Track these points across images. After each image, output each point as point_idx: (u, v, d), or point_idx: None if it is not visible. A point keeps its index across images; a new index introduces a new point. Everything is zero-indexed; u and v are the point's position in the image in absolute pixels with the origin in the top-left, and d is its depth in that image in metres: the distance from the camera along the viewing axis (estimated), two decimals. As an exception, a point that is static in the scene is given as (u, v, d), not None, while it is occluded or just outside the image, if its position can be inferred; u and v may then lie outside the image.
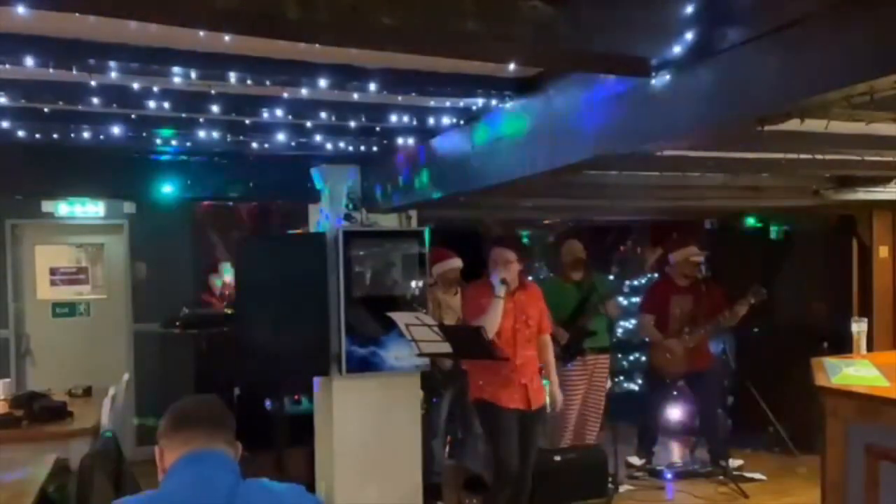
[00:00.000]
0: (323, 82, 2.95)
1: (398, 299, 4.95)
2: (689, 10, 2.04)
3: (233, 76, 2.88)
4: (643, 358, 6.72)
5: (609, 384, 6.14)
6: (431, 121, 3.77)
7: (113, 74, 2.80)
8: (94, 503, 3.50)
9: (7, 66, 2.69)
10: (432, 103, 3.61)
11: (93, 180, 5.06)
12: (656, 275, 7.52)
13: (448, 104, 3.59)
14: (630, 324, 7.56)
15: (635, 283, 8.14)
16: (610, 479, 5.53)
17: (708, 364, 6.17)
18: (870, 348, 4.48)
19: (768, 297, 5.89)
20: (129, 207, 6.90)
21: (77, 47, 2.59)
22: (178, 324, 6.74)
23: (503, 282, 4.39)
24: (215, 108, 3.39)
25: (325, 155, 4.76)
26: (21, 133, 3.86)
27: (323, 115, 3.60)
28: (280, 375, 5.34)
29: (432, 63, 2.92)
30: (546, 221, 8.46)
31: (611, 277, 8.07)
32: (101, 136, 3.98)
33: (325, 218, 5.19)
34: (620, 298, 7.82)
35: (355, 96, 3.36)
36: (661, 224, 8.10)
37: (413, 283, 5.03)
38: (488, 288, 4.46)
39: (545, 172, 3.14)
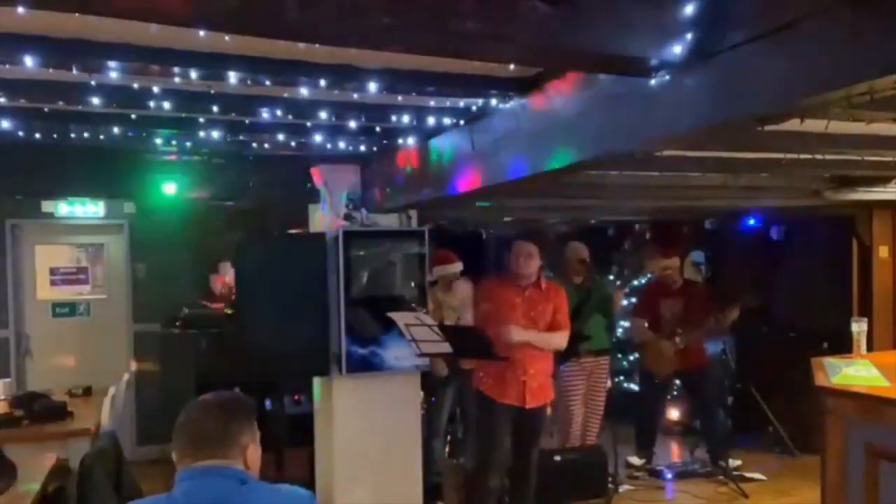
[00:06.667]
0: (323, 82, 2.95)
1: (398, 299, 4.95)
2: (689, 10, 2.04)
3: (233, 76, 2.88)
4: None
5: (609, 384, 6.14)
6: (431, 121, 3.77)
7: (113, 74, 2.80)
8: (93, 503, 3.50)
9: (7, 66, 2.69)
10: (432, 103, 3.61)
11: (93, 180, 5.06)
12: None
13: (448, 104, 3.59)
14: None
15: (635, 283, 8.12)
16: (610, 479, 5.54)
17: (702, 363, 6.18)
18: (870, 348, 4.46)
19: (768, 297, 5.89)
20: (129, 207, 6.90)
21: (77, 47, 2.59)
22: (178, 324, 6.73)
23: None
24: (215, 108, 3.39)
25: (325, 155, 4.75)
26: (21, 133, 3.86)
27: (323, 115, 3.60)
28: (280, 375, 5.33)
29: (432, 63, 2.92)
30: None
31: (610, 277, 8.09)
32: (101, 136, 3.99)
33: (324, 218, 5.19)
34: (623, 301, 7.82)
35: (355, 96, 3.36)
36: (661, 224, 8.09)
37: (413, 283, 5.02)
38: (507, 282, 4.56)
39: (545, 172, 3.14)
